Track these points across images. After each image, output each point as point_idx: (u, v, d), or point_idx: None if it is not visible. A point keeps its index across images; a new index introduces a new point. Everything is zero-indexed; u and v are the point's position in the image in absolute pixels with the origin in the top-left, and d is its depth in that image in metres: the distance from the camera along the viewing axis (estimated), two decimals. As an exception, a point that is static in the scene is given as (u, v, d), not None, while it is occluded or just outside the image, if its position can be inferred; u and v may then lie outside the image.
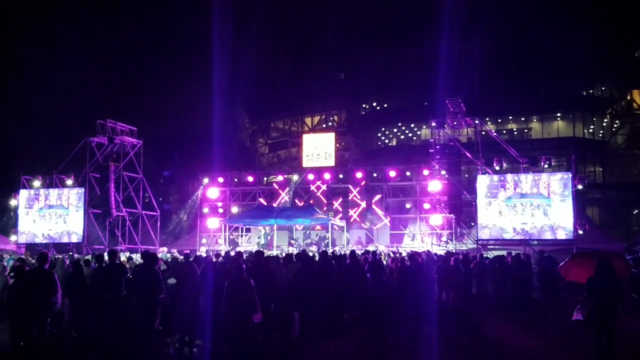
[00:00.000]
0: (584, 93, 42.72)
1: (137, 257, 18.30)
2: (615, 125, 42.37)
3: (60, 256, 18.49)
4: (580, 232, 20.92)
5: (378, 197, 26.56)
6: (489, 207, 21.96)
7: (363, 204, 26.37)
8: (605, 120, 42.53)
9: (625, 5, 37.59)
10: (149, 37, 43.53)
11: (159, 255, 14.84)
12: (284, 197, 27.78)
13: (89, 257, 16.66)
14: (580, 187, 21.54)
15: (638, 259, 14.67)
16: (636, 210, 40.44)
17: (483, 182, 22.18)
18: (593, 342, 7.82)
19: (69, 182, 26.07)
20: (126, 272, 10.65)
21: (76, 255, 20.24)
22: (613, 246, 19.25)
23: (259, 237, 26.21)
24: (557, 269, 9.36)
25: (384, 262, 15.11)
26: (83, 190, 25.53)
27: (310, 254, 15.07)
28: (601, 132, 42.20)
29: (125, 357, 9.20)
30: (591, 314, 7.73)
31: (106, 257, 10.52)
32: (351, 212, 26.49)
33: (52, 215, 25.84)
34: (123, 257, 17.05)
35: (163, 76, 43.45)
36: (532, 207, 21.34)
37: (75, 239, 25.36)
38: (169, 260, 14.49)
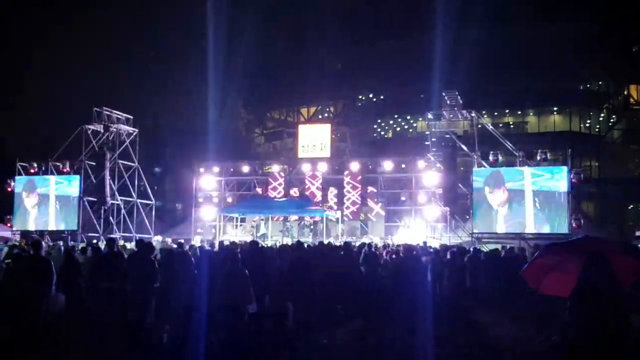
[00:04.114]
0: (581, 87, 42.73)
1: (131, 246, 18.28)
2: (611, 120, 42.42)
3: (55, 243, 18.47)
4: (575, 226, 21.00)
5: (373, 188, 26.56)
6: (485, 200, 22.08)
7: (358, 195, 26.36)
8: (602, 114, 42.57)
9: (623, -1, 37.56)
10: (145, 25, 43.16)
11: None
12: (279, 188, 27.75)
13: (83, 244, 16.64)
14: (575, 181, 21.60)
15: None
16: (631, 206, 40.60)
17: (480, 175, 22.29)
18: None
19: (65, 169, 25.99)
20: (124, 261, 10.63)
21: (71, 243, 20.27)
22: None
23: (251, 227, 26.21)
24: (520, 272, 6.03)
25: (380, 255, 15.13)
26: (78, 177, 25.47)
27: (306, 245, 15.09)
28: (597, 126, 42.25)
29: (120, 345, 9.20)
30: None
31: (104, 245, 10.51)
32: (346, 204, 26.49)
33: (47, 202, 25.77)
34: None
35: (159, 65, 43.13)
36: (528, 200, 21.46)
37: (70, 226, 25.30)
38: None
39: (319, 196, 26.84)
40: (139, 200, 26.69)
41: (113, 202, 25.32)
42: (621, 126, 41.92)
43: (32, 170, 26.44)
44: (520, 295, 14.77)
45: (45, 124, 37.05)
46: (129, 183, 26.35)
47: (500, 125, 40.91)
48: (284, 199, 26.08)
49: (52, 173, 26.15)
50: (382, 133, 46.45)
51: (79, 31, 41.92)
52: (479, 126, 25.22)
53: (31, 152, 28.52)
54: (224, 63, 33.52)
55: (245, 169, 28.59)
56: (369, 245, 14.68)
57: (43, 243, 10.30)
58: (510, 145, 23.11)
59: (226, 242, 17.23)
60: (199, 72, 36.17)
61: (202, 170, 28.91)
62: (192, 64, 38.60)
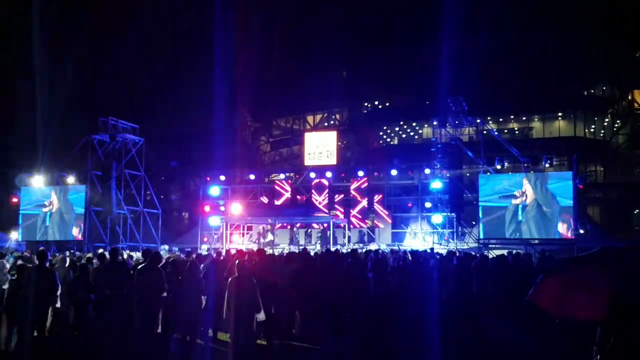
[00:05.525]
0: (585, 93, 42.70)
1: (137, 255, 18.29)
2: (616, 125, 42.35)
3: (60, 254, 18.48)
4: (581, 231, 20.92)
5: (379, 195, 26.56)
6: (492, 206, 22.01)
7: (364, 203, 26.36)
8: (607, 120, 42.50)
9: (626, 4, 37.55)
10: (151, 34, 43.44)
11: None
12: (286, 195, 27.78)
13: (90, 254, 16.66)
14: (581, 186, 21.52)
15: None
16: (637, 210, 40.41)
17: (485, 181, 22.24)
18: None
19: (71, 179, 26.06)
20: (128, 270, 10.67)
21: (77, 253, 20.28)
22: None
23: (258, 235, 26.24)
24: (529, 297, 5.09)
25: (388, 261, 15.10)
26: (84, 187, 25.53)
27: (312, 252, 15.08)
28: (602, 131, 42.18)
29: (127, 355, 9.21)
30: None
31: (108, 255, 10.55)
32: (353, 211, 26.48)
33: (53, 213, 25.83)
34: (125, 255, 17.08)
35: (165, 73, 43.41)
36: (533, 205, 21.38)
37: (76, 236, 25.34)
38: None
39: (325, 203, 26.86)
40: (145, 210, 26.76)
41: (119, 211, 25.39)
42: (626, 131, 41.87)
43: (38, 181, 26.49)
44: (529, 303, 14.71)
45: (50, 135, 37.22)
46: (135, 192, 26.43)
47: (505, 131, 40.95)
48: (290, 206, 26.10)
49: (58, 184, 26.22)
50: (388, 140, 46.49)
51: (85, 41, 42.24)
52: (484, 132, 25.24)
53: (37, 162, 28.60)
54: (230, 71, 33.69)
55: (252, 177, 28.65)
56: (376, 252, 14.66)
57: (48, 254, 10.34)
58: (516, 151, 23.10)
59: (233, 251, 17.25)
60: (205, 80, 36.37)
61: (208, 178, 28.98)
62: (198, 72, 38.80)
